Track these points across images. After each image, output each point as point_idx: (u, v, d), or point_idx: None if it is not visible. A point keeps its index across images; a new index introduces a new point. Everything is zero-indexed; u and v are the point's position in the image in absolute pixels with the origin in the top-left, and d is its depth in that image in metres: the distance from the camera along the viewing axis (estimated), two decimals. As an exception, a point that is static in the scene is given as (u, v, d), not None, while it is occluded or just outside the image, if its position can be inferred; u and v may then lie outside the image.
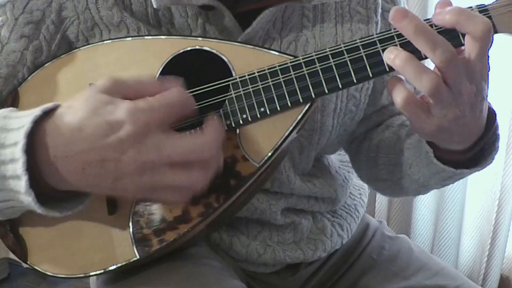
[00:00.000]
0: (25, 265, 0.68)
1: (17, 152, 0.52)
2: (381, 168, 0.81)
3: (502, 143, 1.45)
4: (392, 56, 0.58)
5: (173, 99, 0.53)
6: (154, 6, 0.66)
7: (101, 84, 0.54)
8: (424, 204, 1.63)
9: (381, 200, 1.71)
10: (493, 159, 0.69)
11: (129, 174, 0.52)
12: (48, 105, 0.55)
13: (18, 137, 0.53)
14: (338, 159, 0.90)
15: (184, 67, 0.64)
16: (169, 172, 0.53)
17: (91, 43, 0.68)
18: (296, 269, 0.85)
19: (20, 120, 0.54)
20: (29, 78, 0.69)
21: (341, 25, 0.74)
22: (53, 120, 0.54)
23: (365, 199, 0.94)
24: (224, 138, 0.57)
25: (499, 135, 0.68)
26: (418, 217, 1.64)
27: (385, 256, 0.87)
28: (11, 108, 0.58)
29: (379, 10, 0.77)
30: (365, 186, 0.97)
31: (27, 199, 0.53)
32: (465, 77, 0.57)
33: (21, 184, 0.53)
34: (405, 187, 0.79)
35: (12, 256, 1.93)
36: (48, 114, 0.54)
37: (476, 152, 0.67)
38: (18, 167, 0.52)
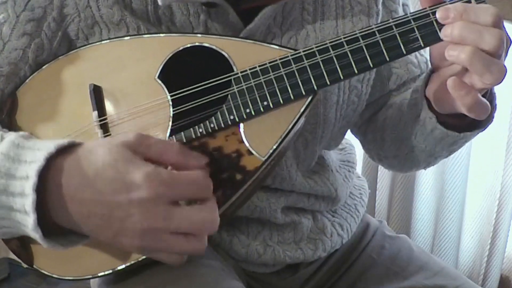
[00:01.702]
0: (25, 265, 0.67)
1: (28, 188, 0.53)
2: (389, 145, 0.81)
3: (502, 143, 1.46)
4: (456, 52, 0.58)
5: (195, 182, 0.55)
6: (160, 3, 0.66)
7: (128, 138, 0.55)
8: (424, 204, 1.63)
9: (381, 200, 1.71)
10: (493, 118, 0.70)
11: (131, 235, 0.53)
12: (62, 142, 0.55)
13: (30, 172, 0.53)
14: (339, 159, 0.90)
15: (184, 64, 0.64)
16: (171, 240, 0.54)
17: (89, 44, 0.68)
18: (296, 269, 0.85)
19: (34, 154, 0.54)
20: (28, 80, 0.69)
21: (342, 17, 0.74)
22: (71, 159, 0.54)
23: (365, 199, 0.94)
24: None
25: (495, 94, 0.69)
26: (418, 217, 1.64)
27: (385, 256, 0.87)
28: (22, 134, 0.59)
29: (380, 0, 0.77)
30: (366, 186, 0.97)
31: (34, 235, 0.54)
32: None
33: (29, 220, 0.53)
34: (415, 159, 0.80)
35: (12, 256, 1.92)
36: (62, 151, 0.55)
37: None
38: (27, 204, 0.53)
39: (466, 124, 0.68)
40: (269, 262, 0.80)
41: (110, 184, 0.52)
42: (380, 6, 0.77)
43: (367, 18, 0.75)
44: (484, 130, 0.70)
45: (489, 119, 0.68)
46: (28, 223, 0.53)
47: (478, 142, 1.52)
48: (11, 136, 0.58)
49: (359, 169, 1.61)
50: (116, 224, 0.53)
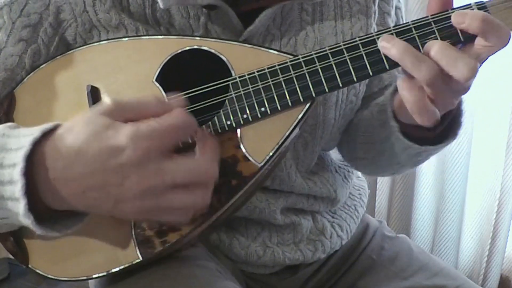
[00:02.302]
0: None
1: (16, 175, 0.52)
2: (358, 147, 0.81)
3: (502, 143, 1.46)
4: (389, 45, 0.58)
5: (174, 122, 0.53)
6: (161, 6, 0.65)
7: (103, 106, 0.54)
8: (424, 204, 1.63)
9: (381, 200, 1.71)
10: (457, 135, 0.69)
11: (131, 198, 0.52)
12: (47, 126, 0.55)
13: (16, 159, 0.52)
14: (338, 159, 0.90)
15: (183, 67, 0.64)
16: (171, 195, 0.53)
17: (87, 44, 0.67)
18: (296, 270, 0.85)
19: (19, 141, 0.54)
20: (25, 79, 0.68)
21: (340, 17, 0.74)
22: (53, 142, 0.53)
23: (365, 200, 0.94)
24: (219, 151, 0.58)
25: (463, 110, 0.68)
26: (418, 217, 1.64)
27: (385, 256, 0.87)
28: (9, 124, 0.58)
29: (376, 0, 0.77)
30: (365, 186, 0.97)
31: (26, 221, 0.53)
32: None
33: (20, 206, 0.53)
34: (381, 164, 0.80)
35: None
36: (47, 134, 0.54)
37: (444, 128, 0.67)
38: (16, 190, 0.52)
39: (431, 138, 0.68)
40: (268, 263, 0.80)
41: (97, 154, 0.51)
42: (376, 7, 0.77)
43: (366, 18, 0.76)
44: (447, 144, 0.70)
45: (453, 134, 0.68)
46: (20, 209, 0.53)
47: (478, 142, 1.52)
48: None
49: (359, 169, 1.61)
50: (113, 191, 0.52)
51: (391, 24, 0.80)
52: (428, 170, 1.59)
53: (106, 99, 0.56)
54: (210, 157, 0.56)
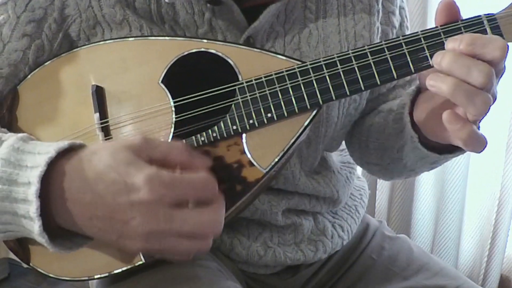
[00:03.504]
0: (25, 265, 0.67)
1: (31, 195, 0.53)
2: (371, 152, 0.81)
3: (502, 143, 1.46)
4: (437, 83, 0.56)
5: (196, 181, 0.54)
6: (167, 0, 0.66)
7: (132, 141, 0.54)
8: (424, 204, 1.63)
9: (381, 200, 1.71)
10: None
11: (134, 237, 0.53)
12: (62, 145, 0.55)
13: (32, 178, 0.53)
14: (340, 160, 0.90)
15: (189, 69, 0.63)
16: (175, 242, 0.54)
17: (93, 42, 0.67)
18: (296, 270, 0.85)
19: (34, 159, 0.54)
20: (29, 76, 0.68)
21: (344, 15, 0.74)
22: (74, 162, 0.54)
23: (365, 200, 0.94)
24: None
25: None
26: (418, 217, 1.64)
27: (385, 256, 0.87)
28: (22, 136, 0.58)
29: None
30: (366, 186, 0.97)
31: (40, 240, 0.54)
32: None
33: (35, 226, 0.53)
34: (395, 171, 0.80)
35: (12, 256, 1.93)
36: (64, 153, 0.54)
37: None
38: (31, 210, 0.53)
39: (448, 145, 0.68)
40: (269, 263, 0.80)
41: (111, 186, 0.52)
42: (380, 6, 0.77)
43: (369, 16, 0.75)
44: (464, 151, 0.69)
45: None
46: (34, 228, 0.53)
47: (478, 142, 1.51)
48: (10, 139, 0.57)
49: (359, 169, 1.61)
50: (118, 226, 0.53)
51: (397, 24, 0.80)
52: (428, 170, 1.58)
53: (132, 135, 0.58)
54: (219, 215, 0.56)
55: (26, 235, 0.57)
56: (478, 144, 0.58)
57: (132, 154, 0.53)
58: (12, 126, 0.68)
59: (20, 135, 0.59)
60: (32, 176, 0.53)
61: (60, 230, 0.57)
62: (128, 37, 0.66)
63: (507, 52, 0.56)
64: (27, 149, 0.56)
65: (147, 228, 0.52)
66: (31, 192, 0.52)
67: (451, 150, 0.68)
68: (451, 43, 0.57)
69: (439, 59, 0.56)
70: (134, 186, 0.51)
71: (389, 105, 0.81)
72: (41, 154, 0.54)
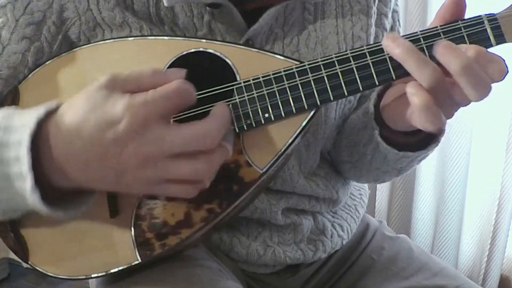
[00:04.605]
0: (25, 265, 0.68)
1: (22, 151, 0.52)
2: (343, 149, 0.81)
3: (502, 143, 1.46)
4: (393, 44, 0.57)
5: (171, 90, 0.53)
6: (165, 4, 0.66)
7: (102, 80, 0.54)
8: (424, 204, 1.63)
9: (381, 200, 1.71)
10: (439, 142, 0.69)
11: (131, 168, 0.52)
12: (51, 105, 0.55)
13: (22, 136, 0.53)
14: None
15: (187, 69, 0.63)
16: (171, 164, 0.52)
17: (93, 42, 0.67)
18: (296, 270, 0.85)
19: (23, 119, 0.54)
20: (30, 76, 0.68)
21: (342, 16, 0.75)
22: (55, 120, 0.54)
23: (365, 200, 0.94)
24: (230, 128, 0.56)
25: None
26: (418, 217, 1.64)
27: (385, 256, 0.87)
28: (13, 107, 0.58)
29: (376, 0, 0.77)
30: (365, 186, 0.97)
31: (32, 199, 0.53)
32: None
33: (27, 183, 0.53)
34: (363, 169, 0.80)
35: (12, 256, 1.93)
36: (51, 113, 0.54)
37: (426, 133, 0.67)
38: (23, 166, 0.52)
39: (412, 144, 0.68)
40: (269, 262, 0.80)
41: (94, 128, 0.51)
42: (376, 7, 0.77)
43: (366, 18, 0.76)
44: (427, 152, 0.70)
45: (435, 141, 0.68)
46: (26, 186, 0.53)
47: (478, 142, 1.52)
48: (1, 110, 0.57)
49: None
50: (113, 162, 0.52)
51: (388, 26, 0.80)
52: (428, 170, 1.59)
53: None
54: (214, 125, 0.54)
55: (20, 205, 0.56)
56: (432, 115, 0.56)
57: (104, 91, 0.53)
58: None
59: (11, 106, 0.58)
60: (22, 135, 0.52)
61: (55, 192, 0.56)
62: (128, 37, 0.66)
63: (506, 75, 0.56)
64: (16, 113, 0.56)
65: (140, 154, 0.51)
66: (22, 148, 0.52)
67: (412, 146, 0.68)
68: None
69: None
70: (114, 118, 0.51)
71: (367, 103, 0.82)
72: (30, 113, 0.54)
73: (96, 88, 0.53)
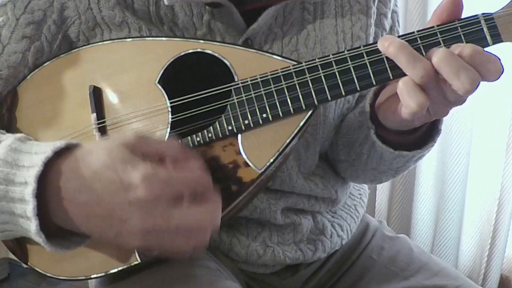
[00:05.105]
0: (25, 265, 0.68)
1: (27, 195, 0.53)
2: (340, 149, 0.82)
3: (502, 143, 1.46)
4: (386, 43, 0.58)
5: (192, 179, 0.54)
6: (166, 3, 0.66)
7: (126, 139, 0.54)
8: (424, 204, 1.63)
9: (381, 200, 1.71)
10: (435, 142, 0.70)
11: (132, 235, 0.53)
12: (59, 144, 0.55)
13: (28, 178, 0.53)
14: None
15: (185, 69, 0.64)
16: (172, 238, 0.53)
17: (92, 43, 0.68)
18: (296, 270, 0.85)
19: (30, 158, 0.54)
20: (29, 76, 0.68)
21: (341, 16, 0.75)
22: (70, 162, 0.54)
23: (365, 199, 0.94)
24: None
25: (442, 120, 0.69)
26: (418, 217, 1.64)
27: (385, 256, 0.87)
28: (19, 136, 0.58)
29: (376, 0, 0.77)
30: (365, 186, 0.97)
31: (37, 239, 0.54)
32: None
33: (32, 225, 0.53)
34: (359, 169, 0.80)
35: (12, 256, 1.93)
36: (60, 153, 0.54)
37: (423, 132, 0.68)
38: (28, 210, 0.53)
39: (408, 144, 0.69)
40: (269, 262, 0.80)
41: (108, 185, 0.52)
42: (375, 7, 0.77)
43: (366, 18, 0.76)
44: (424, 151, 0.70)
45: (431, 141, 0.69)
46: (31, 228, 0.54)
47: (478, 142, 1.52)
48: (7, 140, 0.57)
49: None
50: (116, 225, 0.52)
51: (387, 26, 0.80)
52: (428, 170, 1.58)
53: (128, 132, 0.58)
54: (215, 210, 0.56)
55: (24, 234, 0.57)
56: (413, 91, 0.57)
57: (127, 152, 0.53)
58: (11, 126, 0.68)
59: (17, 135, 0.59)
60: (29, 175, 0.53)
61: (58, 229, 0.57)
62: (126, 38, 0.66)
63: (501, 75, 0.56)
64: (24, 149, 0.56)
65: (144, 226, 0.52)
66: (28, 191, 0.52)
67: (408, 146, 0.69)
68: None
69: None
70: (131, 184, 0.51)
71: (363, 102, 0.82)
72: (38, 154, 0.54)
73: (119, 145, 0.54)
